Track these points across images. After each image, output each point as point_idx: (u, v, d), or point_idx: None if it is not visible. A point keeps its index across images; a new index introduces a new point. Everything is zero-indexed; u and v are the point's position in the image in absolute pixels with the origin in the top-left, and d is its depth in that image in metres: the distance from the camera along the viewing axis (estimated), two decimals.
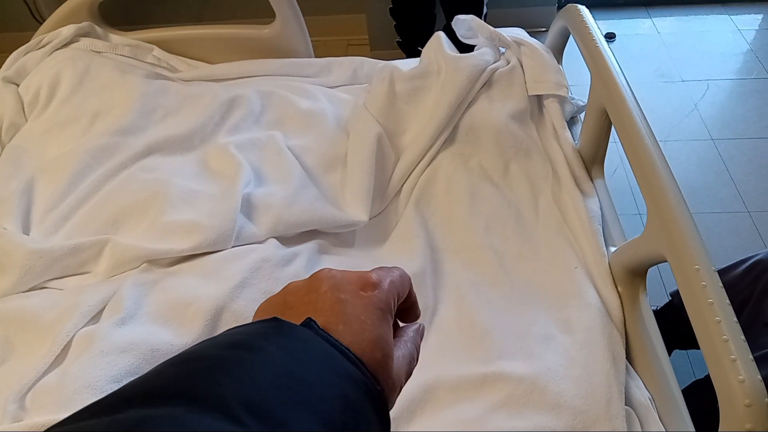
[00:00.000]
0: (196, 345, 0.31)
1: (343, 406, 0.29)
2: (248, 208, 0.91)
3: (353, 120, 1.07)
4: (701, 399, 1.08)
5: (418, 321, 0.42)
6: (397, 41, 2.16)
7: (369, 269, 0.39)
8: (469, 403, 0.73)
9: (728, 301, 0.63)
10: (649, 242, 0.75)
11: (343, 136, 1.06)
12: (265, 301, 0.38)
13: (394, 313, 0.37)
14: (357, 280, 0.36)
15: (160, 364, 0.29)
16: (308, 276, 0.39)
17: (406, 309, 0.41)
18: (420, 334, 0.41)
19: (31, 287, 0.85)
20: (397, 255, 0.90)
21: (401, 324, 0.41)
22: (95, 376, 0.68)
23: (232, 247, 0.86)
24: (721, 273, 0.66)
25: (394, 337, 0.38)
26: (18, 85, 1.17)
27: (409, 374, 0.37)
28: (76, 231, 0.90)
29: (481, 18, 1.89)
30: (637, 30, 2.61)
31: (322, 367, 0.30)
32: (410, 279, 0.41)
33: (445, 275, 0.89)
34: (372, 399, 0.31)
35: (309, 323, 0.33)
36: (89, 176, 0.96)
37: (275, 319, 0.33)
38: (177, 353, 0.31)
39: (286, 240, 0.90)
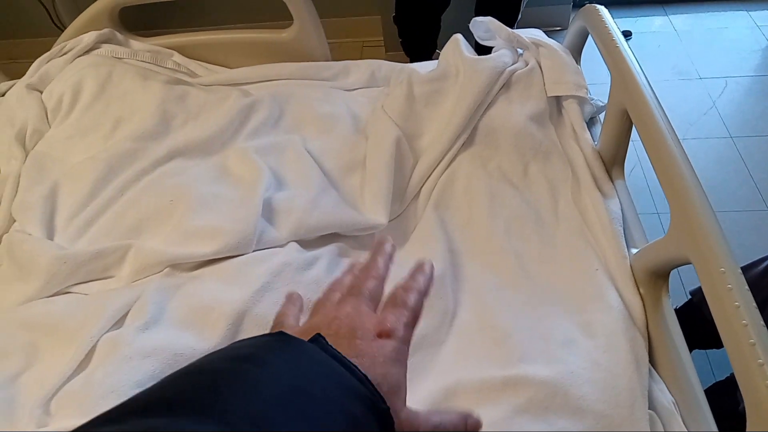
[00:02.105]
0: (203, 357, 0.31)
1: (347, 422, 0.29)
2: (269, 212, 0.91)
3: (372, 123, 1.07)
4: (723, 401, 1.07)
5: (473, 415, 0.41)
6: (401, 42, 2.14)
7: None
8: (492, 407, 0.72)
9: (755, 304, 0.62)
10: (672, 244, 0.75)
11: (362, 139, 1.06)
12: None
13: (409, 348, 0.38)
14: (374, 324, 0.37)
15: (166, 376, 0.29)
16: (328, 283, 0.41)
17: None
18: (464, 420, 0.40)
19: (55, 292, 0.86)
20: (416, 258, 0.89)
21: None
22: (119, 381, 0.69)
23: (254, 251, 0.86)
24: (741, 271, 0.65)
25: None
26: (41, 92, 1.18)
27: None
28: (100, 236, 0.92)
29: (515, 21, 1.89)
30: (652, 27, 2.59)
31: (327, 382, 0.30)
32: (422, 306, 0.42)
33: (465, 278, 0.89)
34: (377, 416, 0.31)
35: (317, 338, 0.33)
36: (112, 182, 0.98)
37: (281, 333, 0.33)
38: (198, 358, 0.31)
39: (306, 243, 0.90)
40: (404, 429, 0.35)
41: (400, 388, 0.35)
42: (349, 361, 0.32)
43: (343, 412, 0.29)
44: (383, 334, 0.37)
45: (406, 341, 0.38)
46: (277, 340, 0.33)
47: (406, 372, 0.37)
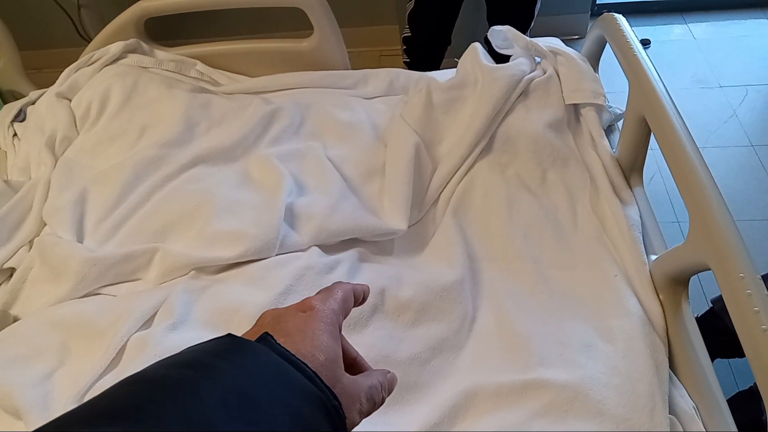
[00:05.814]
0: (151, 365, 0.31)
1: (294, 422, 0.29)
2: (291, 217, 0.93)
3: (391, 130, 1.09)
4: (745, 410, 1.06)
5: (388, 370, 0.43)
6: (405, 61, 2.06)
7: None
8: (511, 410, 0.73)
9: None
10: (691, 250, 0.75)
11: (381, 146, 1.08)
12: None
13: (340, 326, 0.39)
14: (297, 306, 0.39)
15: (112, 386, 0.30)
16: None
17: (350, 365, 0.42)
18: (387, 378, 0.41)
19: (85, 293, 0.89)
20: (435, 263, 0.91)
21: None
22: None
23: (276, 255, 0.88)
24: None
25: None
26: (70, 100, 1.22)
27: (370, 400, 0.38)
28: (127, 240, 0.94)
29: (528, 28, 1.88)
30: (672, 36, 2.58)
31: (273, 383, 0.30)
32: (352, 297, 0.43)
33: (484, 284, 0.90)
34: (327, 413, 0.32)
35: (265, 338, 0.34)
36: (138, 187, 1.00)
37: (229, 336, 0.34)
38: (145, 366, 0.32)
39: (327, 248, 0.92)
40: (348, 393, 0.35)
41: (338, 355, 0.36)
42: (297, 358, 0.32)
43: (289, 412, 0.29)
44: (305, 309, 0.38)
45: (332, 311, 0.39)
46: (224, 343, 0.33)
47: (339, 342, 0.37)
